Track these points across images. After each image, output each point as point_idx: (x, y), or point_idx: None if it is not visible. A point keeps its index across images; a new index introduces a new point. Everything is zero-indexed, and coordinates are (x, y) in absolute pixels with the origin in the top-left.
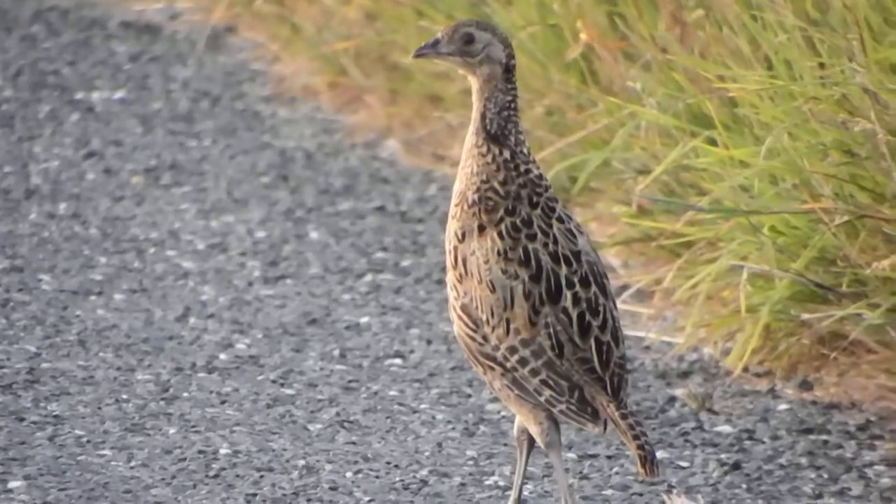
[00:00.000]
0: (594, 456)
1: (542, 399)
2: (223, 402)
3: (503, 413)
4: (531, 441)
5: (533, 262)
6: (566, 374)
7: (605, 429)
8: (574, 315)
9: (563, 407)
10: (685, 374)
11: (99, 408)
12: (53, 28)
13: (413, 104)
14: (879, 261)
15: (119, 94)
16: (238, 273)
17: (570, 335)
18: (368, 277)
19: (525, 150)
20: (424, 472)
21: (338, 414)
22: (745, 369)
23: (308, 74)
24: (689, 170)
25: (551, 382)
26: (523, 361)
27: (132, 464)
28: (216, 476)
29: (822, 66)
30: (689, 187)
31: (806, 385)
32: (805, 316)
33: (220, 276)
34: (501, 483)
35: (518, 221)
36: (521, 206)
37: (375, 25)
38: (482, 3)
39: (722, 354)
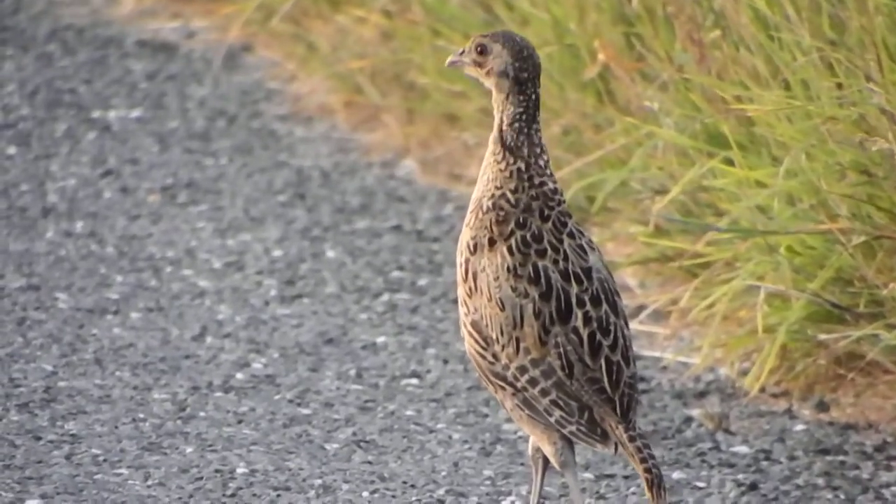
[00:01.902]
0: (611, 476)
1: (552, 420)
2: (240, 422)
3: (519, 433)
4: (546, 460)
5: (543, 280)
6: (576, 394)
7: (615, 450)
8: (584, 334)
9: (573, 428)
10: (702, 395)
11: (115, 427)
12: (69, 47)
13: (429, 123)
14: None
15: (135, 113)
16: (254, 292)
17: (580, 355)
18: (385, 297)
19: (542, 163)
20: (441, 491)
21: (354, 433)
22: (762, 390)
23: (324, 93)
24: (706, 190)
25: (561, 403)
26: (533, 381)
27: (149, 483)
28: (233, 495)
29: (839, 86)
30: (707, 207)
31: (823, 406)
32: (822, 336)
33: (237, 295)
34: (518, 503)
35: (528, 236)
36: (531, 218)
37: (391, 44)
38: (498, 22)
39: (739, 375)
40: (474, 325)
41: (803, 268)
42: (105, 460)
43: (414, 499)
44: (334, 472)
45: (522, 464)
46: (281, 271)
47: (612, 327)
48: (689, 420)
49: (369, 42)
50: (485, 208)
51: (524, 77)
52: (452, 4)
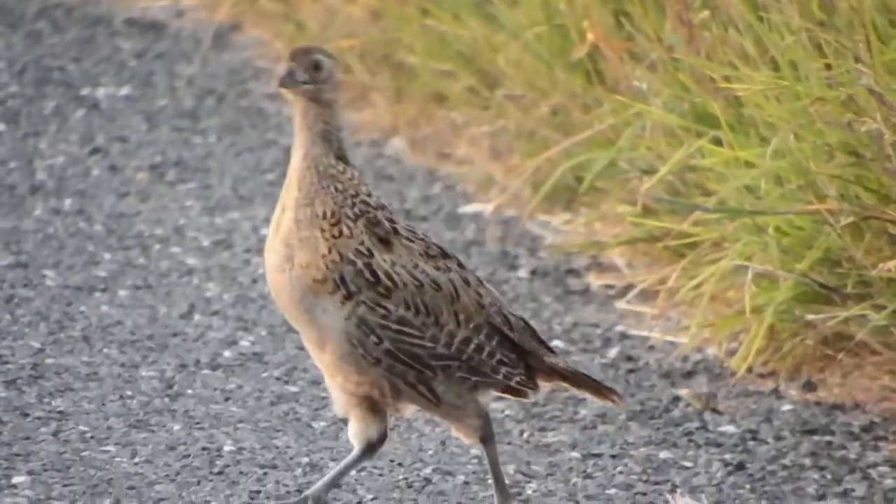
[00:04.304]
0: (598, 455)
1: (499, 377)
2: (227, 399)
3: (507, 412)
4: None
5: (448, 254)
6: (519, 344)
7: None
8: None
9: (518, 378)
10: (689, 374)
11: (103, 404)
12: (58, 25)
13: (418, 103)
14: (884, 262)
15: (124, 91)
16: (243, 270)
17: (502, 307)
18: None
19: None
20: (428, 470)
21: None
22: (749, 370)
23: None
24: (694, 170)
25: (505, 359)
26: (479, 348)
27: (136, 460)
28: (220, 473)
29: (828, 66)
30: (695, 187)
31: (810, 386)
32: (809, 317)
33: (225, 272)
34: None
35: (401, 228)
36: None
37: (380, 24)
38: (487, 2)
39: (726, 355)
40: (402, 321)
41: (791, 248)
42: (92, 437)
43: (401, 477)
44: (321, 450)
45: (510, 443)
46: None
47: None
48: (676, 400)
49: (358, 21)
50: (353, 216)
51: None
52: None
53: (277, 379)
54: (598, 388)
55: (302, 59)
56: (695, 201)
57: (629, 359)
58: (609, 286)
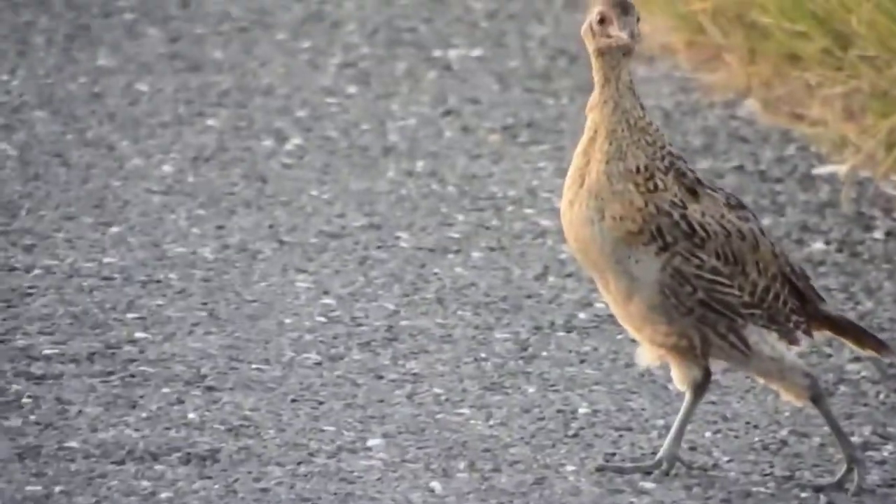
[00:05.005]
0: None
1: (791, 325)
2: (582, 362)
3: (863, 374)
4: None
5: (743, 203)
6: (803, 292)
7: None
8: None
9: (803, 327)
10: None
11: (457, 366)
12: None
13: (771, 63)
14: None
15: (476, 52)
16: None
17: (788, 256)
18: None
19: None
20: (784, 432)
21: None
22: None
23: (666, 33)
24: None
25: (794, 307)
26: (777, 296)
27: (491, 422)
28: (575, 435)
29: None
30: None
31: None
32: None
33: None
34: (861, 443)
35: (696, 177)
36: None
37: None
38: None
39: None
40: (714, 270)
41: None
42: (447, 400)
43: (757, 439)
44: (677, 411)
45: (866, 404)
46: None
47: None
48: None
49: None
50: (664, 168)
51: None
52: None
53: (633, 341)
54: (867, 339)
55: (620, 12)
56: None
57: None
58: None
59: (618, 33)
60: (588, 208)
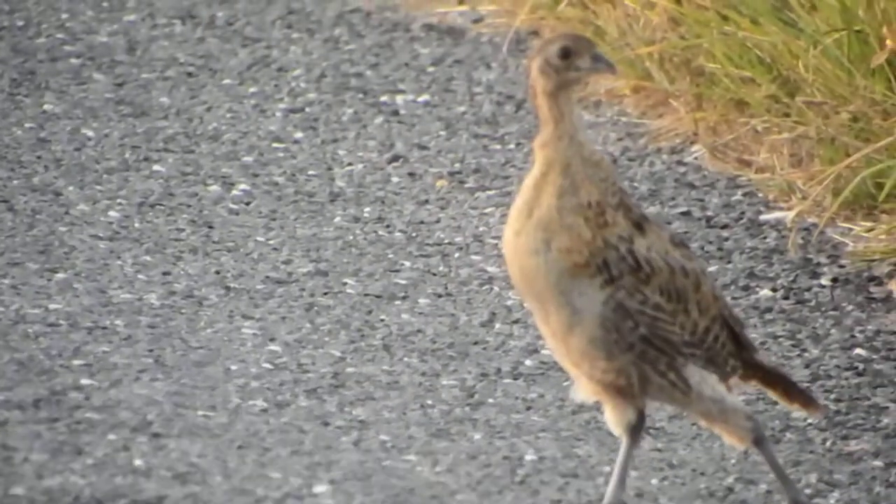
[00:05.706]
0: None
1: (728, 369)
2: (529, 409)
3: (809, 420)
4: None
5: (685, 242)
6: (740, 337)
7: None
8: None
9: (739, 372)
10: None
11: (404, 413)
12: (356, 30)
13: (718, 109)
14: None
15: (423, 98)
16: None
17: (726, 300)
18: None
19: None
20: (730, 479)
21: None
22: None
23: (612, 78)
24: None
25: (731, 350)
26: (716, 338)
27: (437, 469)
28: (522, 482)
29: None
30: None
31: None
32: None
33: None
34: (808, 491)
35: (642, 211)
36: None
37: (679, 30)
38: (786, 7)
39: None
40: (657, 307)
41: None
42: (394, 447)
43: (703, 486)
44: None
45: (812, 451)
46: None
47: None
48: None
49: (657, 27)
50: (614, 204)
51: None
52: None
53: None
54: (797, 395)
55: (588, 46)
56: None
57: None
58: None
59: (593, 65)
60: (535, 239)
